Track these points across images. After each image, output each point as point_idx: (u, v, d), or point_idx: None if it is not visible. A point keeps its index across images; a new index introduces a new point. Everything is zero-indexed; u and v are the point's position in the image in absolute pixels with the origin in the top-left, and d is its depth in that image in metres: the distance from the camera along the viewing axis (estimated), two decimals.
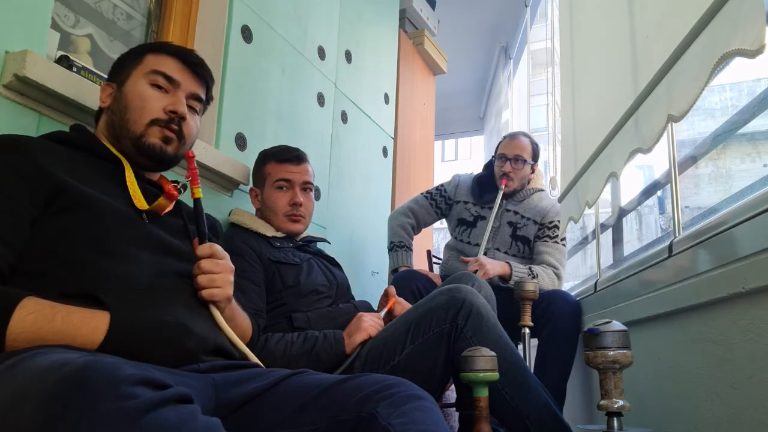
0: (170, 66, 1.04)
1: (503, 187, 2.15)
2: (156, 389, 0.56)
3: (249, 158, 1.69)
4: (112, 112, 1.02)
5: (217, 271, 0.95)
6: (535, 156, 2.22)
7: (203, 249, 0.95)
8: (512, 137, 2.24)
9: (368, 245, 2.50)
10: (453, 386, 1.70)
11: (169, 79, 1.03)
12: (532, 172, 2.25)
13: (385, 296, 1.60)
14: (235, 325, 1.04)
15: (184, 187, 1.04)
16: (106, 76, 1.10)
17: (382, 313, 1.49)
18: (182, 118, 1.02)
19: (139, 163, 1.02)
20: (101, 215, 0.88)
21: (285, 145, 1.64)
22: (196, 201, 1.00)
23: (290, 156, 1.57)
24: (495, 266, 1.98)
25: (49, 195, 0.85)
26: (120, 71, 1.05)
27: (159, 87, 1.02)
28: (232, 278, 0.98)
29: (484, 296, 1.42)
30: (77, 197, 0.87)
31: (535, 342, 1.91)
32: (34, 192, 0.84)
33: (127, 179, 0.97)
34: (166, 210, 1.00)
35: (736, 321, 1.05)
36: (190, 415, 0.57)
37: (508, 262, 2.03)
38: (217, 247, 0.97)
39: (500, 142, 2.27)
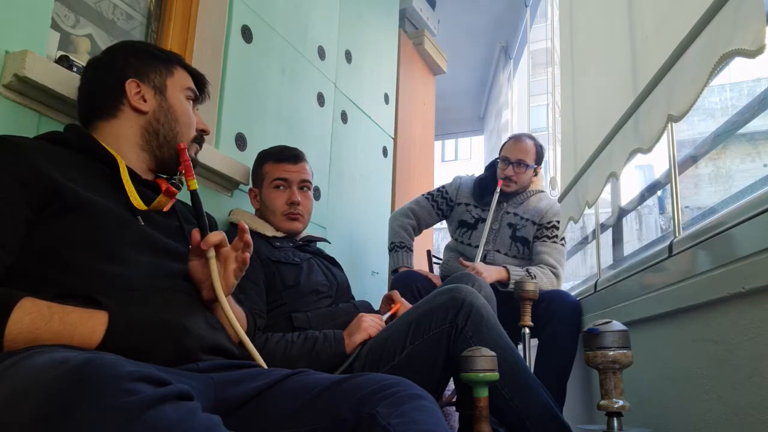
0: (192, 84, 1.13)
1: (499, 188, 2.14)
2: (156, 386, 0.56)
3: (249, 158, 1.69)
4: (156, 120, 1.05)
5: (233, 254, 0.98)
6: (539, 159, 2.21)
7: (214, 235, 0.95)
8: (517, 140, 2.23)
9: (368, 245, 2.50)
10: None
11: (195, 98, 1.14)
12: (535, 175, 2.24)
13: (388, 299, 1.59)
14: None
15: (181, 182, 1.04)
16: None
17: (385, 316, 1.48)
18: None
19: (166, 168, 1.07)
20: (97, 217, 0.88)
21: (283, 145, 1.64)
22: (193, 193, 1.00)
23: (287, 155, 1.58)
24: (492, 272, 1.97)
25: (45, 197, 0.85)
26: (148, 74, 1.06)
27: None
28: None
29: (484, 296, 1.42)
30: (73, 199, 0.86)
31: (535, 342, 1.91)
32: (30, 194, 0.83)
33: (123, 181, 0.96)
34: (167, 207, 1.01)
35: (736, 321, 1.05)
36: (190, 412, 0.57)
37: (505, 266, 2.03)
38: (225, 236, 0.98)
39: (504, 144, 2.26)
